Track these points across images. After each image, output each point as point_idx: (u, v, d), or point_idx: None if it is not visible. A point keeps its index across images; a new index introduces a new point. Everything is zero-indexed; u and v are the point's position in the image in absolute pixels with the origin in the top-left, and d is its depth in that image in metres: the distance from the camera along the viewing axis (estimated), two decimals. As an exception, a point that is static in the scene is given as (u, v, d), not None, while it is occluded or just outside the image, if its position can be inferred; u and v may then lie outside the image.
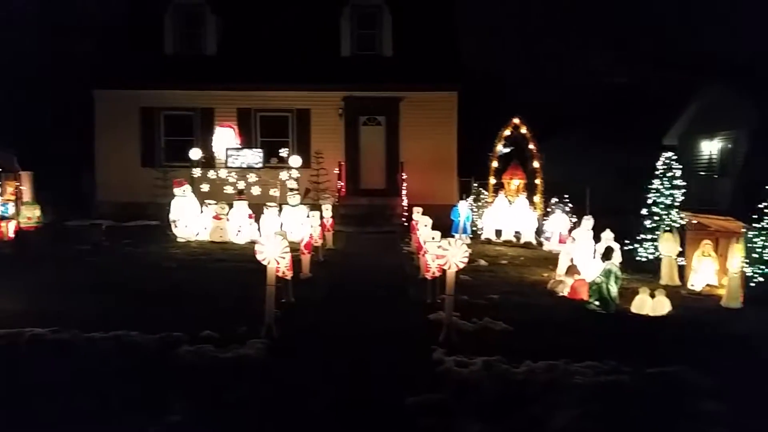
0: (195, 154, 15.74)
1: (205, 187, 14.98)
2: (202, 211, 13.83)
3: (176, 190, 13.83)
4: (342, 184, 17.63)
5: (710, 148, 19.20)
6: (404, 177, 17.17)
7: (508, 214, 14.52)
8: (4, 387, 4.80)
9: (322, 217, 11.64)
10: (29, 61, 25.68)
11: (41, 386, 4.83)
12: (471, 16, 26.11)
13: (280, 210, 13.10)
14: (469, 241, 13.16)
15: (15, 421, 4.27)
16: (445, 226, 10.12)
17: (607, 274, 8.35)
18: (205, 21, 18.95)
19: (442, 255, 6.40)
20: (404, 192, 16.85)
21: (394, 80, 18.03)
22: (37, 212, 14.61)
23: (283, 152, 15.91)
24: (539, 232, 14.42)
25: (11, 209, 13.86)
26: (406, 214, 15.67)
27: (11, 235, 13.24)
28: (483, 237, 14.55)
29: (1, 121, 21.18)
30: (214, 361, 5.32)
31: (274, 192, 14.64)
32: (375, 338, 6.47)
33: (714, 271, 9.79)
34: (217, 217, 13.51)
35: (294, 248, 8.13)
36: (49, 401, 4.56)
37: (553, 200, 14.34)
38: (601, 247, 9.29)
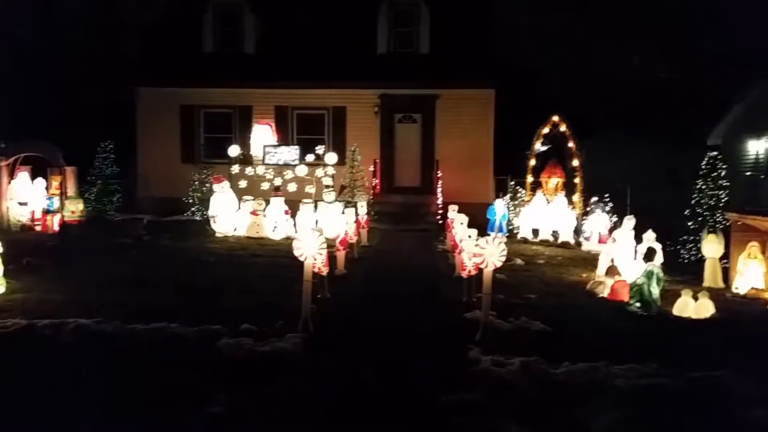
0: (233, 151, 15.98)
1: (243, 184, 15.20)
2: (239, 207, 14.03)
3: (215, 187, 14.08)
4: (377, 181, 17.65)
5: (757, 147, 18.55)
6: (439, 175, 17.10)
7: (546, 213, 14.32)
8: (49, 375, 4.94)
9: (357, 214, 11.68)
10: (74, 60, 26.48)
11: (84, 375, 4.96)
12: (508, 12, 25.77)
13: (316, 206, 13.20)
14: (505, 240, 13.00)
15: (58, 408, 4.39)
16: (480, 225, 10.01)
17: (649, 275, 8.15)
18: (243, 20, 19.22)
19: (479, 253, 6.33)
20: (439, 190, 16.77)
21: (430, 78, 17.97)
22: (81, 206, 15.03)
23: (319, 149, 16.02)
24: (578, 231, 14.18)
25: (56, 203, 14.31)
26: (441, 212, 15.60)
27: (56, 228, 13.66)
28: (519, 236, 14.38)
29: (47, 117, 21.91)
30: (252, 354, 5.38)
31: (310, 189, 14.78)
32: (410, 335, 6.44)
33: (761, 273, 9.46)
34: (254, 213, 13.69)
35: (329, 245, 8.16)
36: (93, 390, 4.68)
37: (593, 199, 14.08)
38: (642, 248, 9.07)
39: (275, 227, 13.54)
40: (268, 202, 13.83)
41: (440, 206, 16.09)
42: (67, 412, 4.33)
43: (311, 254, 6.49)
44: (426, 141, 18.39)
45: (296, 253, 6.50)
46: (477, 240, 6.97)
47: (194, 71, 18.77)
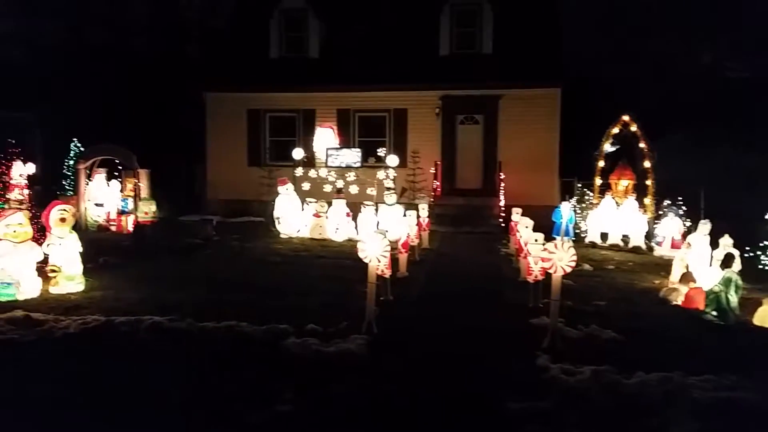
0: (297, 153, 16.28)
1: (306, 186, 15.45)
2: (303, 209, 14.27)
3: (280, 189, 14.39)
4: (438, 183, 17.57)
5: None
6: (502, 177, 16.83)
7: (615, 216, 13.85)
8: (125, 371, 5.15)
9: (418, 217, 11.66)
10: (147, 66, 27.74)
11: (158, 370, 5.15)
12: (574, 8, 25.09)
13: (377, 209, 13.27)
14: (571, 244, 12.66)
15: (132, 400, 4.56)
16: (545, 228, 9.76)
17: (727, 282, 7.75)
18: (308, 25, 19.54)
19: (547, 258, 6.17)
20: (502, 192, 16.51)
21: (493, 78, 17.72)
22: (154, 207, 15.65)
23: (381, 152, 16.08)
24: (649, 236, 13.64)
25: (130, 204, 14.98)
26: (504, 214, 15.35)
27: (130, 228, 14.29)
28: (587, 240, 13.96)
29: (122, 121, 23.00)
30: (318, 355, 5.45)
31: (372, 191, 14.86)
32: (475, 340, 6.35)
33: None
34: (317, 215, 13.90)
35: (391, 247, 8.16)
36: (166, 386, 4.84)
37: (666, 202, 13.51)
38: (719, 254, 8.64)
39: (337, 229, 13.70)
40: (330, 204, 14.00)
41: (503, 209, 15.84)
42: (141, 405, 4.50)
43: (375, 256, 6.51)
44: (488, 142, 18.14)
45: (361, 255, 6.54)
46: (544, 244, 6.81)
47: (261, 76, 19.24)
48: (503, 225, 14.78)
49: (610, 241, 13.79)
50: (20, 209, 8.49)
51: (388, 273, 7.46)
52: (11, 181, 13.15)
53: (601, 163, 15.04)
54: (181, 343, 5.80)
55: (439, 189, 17.55)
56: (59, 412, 4.38)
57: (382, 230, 7.54)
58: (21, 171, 14.31)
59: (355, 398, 4.69)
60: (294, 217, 14.16)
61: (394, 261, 8.47)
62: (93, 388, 4.78)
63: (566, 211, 13.46)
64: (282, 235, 13.92)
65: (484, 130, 18.26)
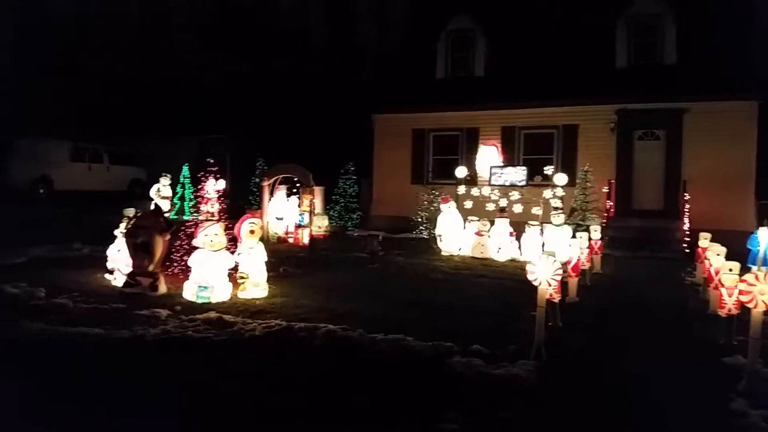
0: (460, 172, 16.33)
1: (468, 204, 15.43)
2: (465, 227, 14.25)
3: (442, 206, 14.53)
4: (611, 203, 16.52)
5: None
6: (686, 197, 15.37)
7: (827, 245, 11.93)
8: (302, 375, 5.48)
9: (590, 239, 11.02)
10: (323, 90, 29.92)
11: (330, 377, 5.41)
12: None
13: (542, 229, 12.81)
14: (770, 274, 11.12)
15: (301, 406, 4.80)
16: (738, 256, 8.66)
17: None
18: (475, 44, 19.67)
19: (746, 290, 5.48)
20: (686, 214, 15.06)
21: (677, 90, 16.36)
22: (326, 222, 16.67)
23: (548, 170, 15.55)
24: None
25: (306, 219, 16.08)
26: (688, 239, 13.98)
27: (305, 241, 15.32)
28: (790, 271, 12.19)
29: (301, 141, 24.96)
30: (485, 377, 5.36)
31: (537, 210, 14.41)
32: (657, 377, 5.79)
33: None
34: (478, 234, 13.79)
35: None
36: (338, 393, 5.07)
37: None
38: None
39: (499, 249, 13.46)
40: (492, 223, 13.82)
41: (687, 233, 14.44)
42: (312, 409, 4.74)
43: (545, 279, 6.27)
44: (671, 159, 16.71)
45: (530, 277, 6.33)
46: (741, 274, 6.06)
47: (426, 97, 19.70)
48: (688, 251, 13.46)
49: (820, 274, 11.89)
50: (217, 221, 9.46)
51: (557, 297, 7.15)
52: (205, 195, 14.81)
53: (810, 184, 13.11)
54: (353, 352, 6.06)
55: (612, 209, 16.51)
56: (247, 409, 4.78)
57: (550, 252, 7.23)
58: (214, 186, 16.08)
59: (524, 425, 4.52)
60: (455, 235, 14.19)
61: (563, 285, 8.09)
62: (269, 389, 5.14)
63: (764, 237, 11.84)
64: (443, 253, 14.01)
65: (666, 147, 16.88)
